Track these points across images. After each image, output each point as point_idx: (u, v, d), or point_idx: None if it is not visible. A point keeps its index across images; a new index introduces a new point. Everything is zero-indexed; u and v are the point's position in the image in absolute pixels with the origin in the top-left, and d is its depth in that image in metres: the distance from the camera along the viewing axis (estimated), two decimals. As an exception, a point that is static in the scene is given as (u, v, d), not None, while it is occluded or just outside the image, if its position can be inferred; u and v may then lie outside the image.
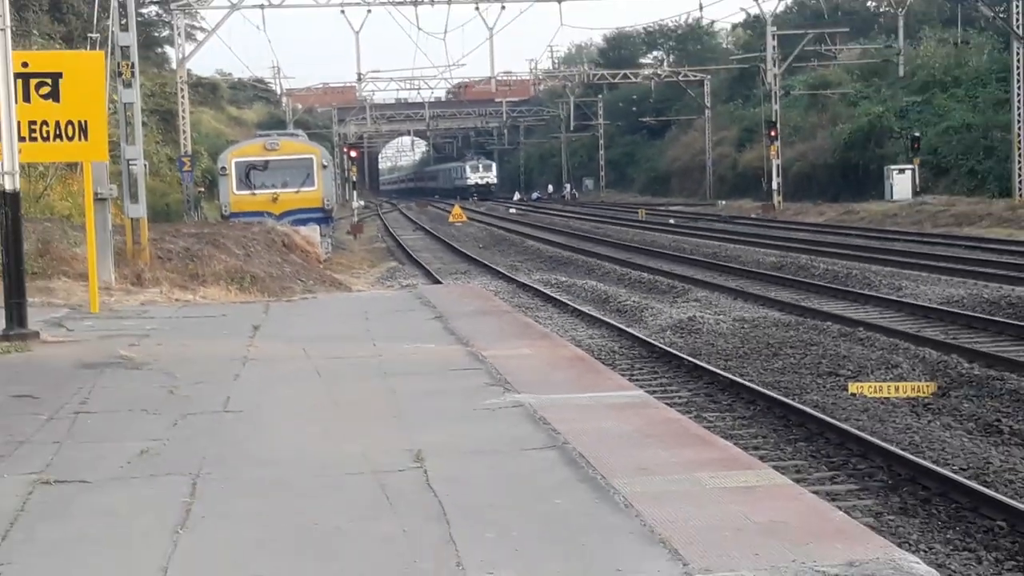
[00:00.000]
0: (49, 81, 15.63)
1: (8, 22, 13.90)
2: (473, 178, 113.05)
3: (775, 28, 60.25)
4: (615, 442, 7.70)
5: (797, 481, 7.94)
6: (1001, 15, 48.22)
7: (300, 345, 12.62)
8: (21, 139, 14.44)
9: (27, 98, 15.26)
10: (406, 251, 43.27)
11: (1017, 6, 45.56)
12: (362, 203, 68.20)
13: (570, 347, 13.05)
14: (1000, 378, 14.09)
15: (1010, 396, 13.32)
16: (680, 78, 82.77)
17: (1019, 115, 46.06)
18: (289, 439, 8.15)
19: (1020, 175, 46.23)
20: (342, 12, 45.69)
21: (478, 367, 10.86)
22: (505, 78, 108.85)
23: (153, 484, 7.01)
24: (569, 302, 23.63)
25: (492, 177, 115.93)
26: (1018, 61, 46.01)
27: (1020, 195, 45.64)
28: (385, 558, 5.56)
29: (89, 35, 27.94)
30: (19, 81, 14.69)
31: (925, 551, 8.37)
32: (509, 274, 30.87)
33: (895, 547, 5.64)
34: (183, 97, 44.26)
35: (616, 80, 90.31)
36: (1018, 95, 46.01)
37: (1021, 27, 45.93)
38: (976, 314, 19.24)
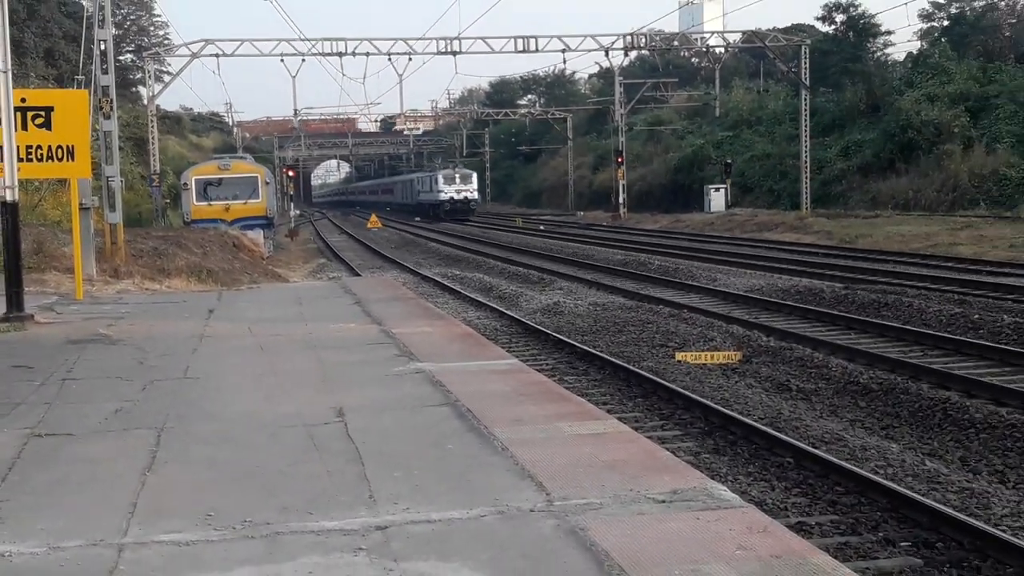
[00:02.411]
0: (43, 114, 15.20)
1: (9, 65, 13.49)
2: (448, 192, 69.29)
3: (622, 78, 60.53)
4: (495, 399, 7.71)
5: (636, 429, 8.00)
6: (793, 70, 49.35)
7: (246, 325, 12.43)
8: (20, 160, 14.06)
9: (24, 127, 14.85)
10: (333, 251, 42.80)
11: (804, 64, 47.02)
12: (298, 212, 67.10)
13: (461, 326, 13.04)
14: (790, 348, 14.40)
15: (797, 362, 13.62)
16: (549, 116, 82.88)
17: (806, 147, 47.15)
18: (237, 400, 8.03)
19: (806, 193, 47.27)
20: (282, 60, 44.82)
21: (389, 342, 10.79)
22: (412, 114, 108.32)
23: (126, 436, 6.86)
24: (461, 290, 23.60)
25: (472, 191, 70.88)
26: (805, 105, 47.31)
27: (806, 208, 46.55)
28: (314, 493, 5.51)
29: (76, 77, 27.16)
30: (18, 114, 14.32)
31: (732, 481, 8.53)
32: (415, 269, 30.71)
33: (708, 479, 5.73)
34: (152, 127, 43.34)
35: (499, 117, 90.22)
36: (805, 131, 47.19)
37: (807, 79, 47.44)
38: (772, 299, 19.59)
